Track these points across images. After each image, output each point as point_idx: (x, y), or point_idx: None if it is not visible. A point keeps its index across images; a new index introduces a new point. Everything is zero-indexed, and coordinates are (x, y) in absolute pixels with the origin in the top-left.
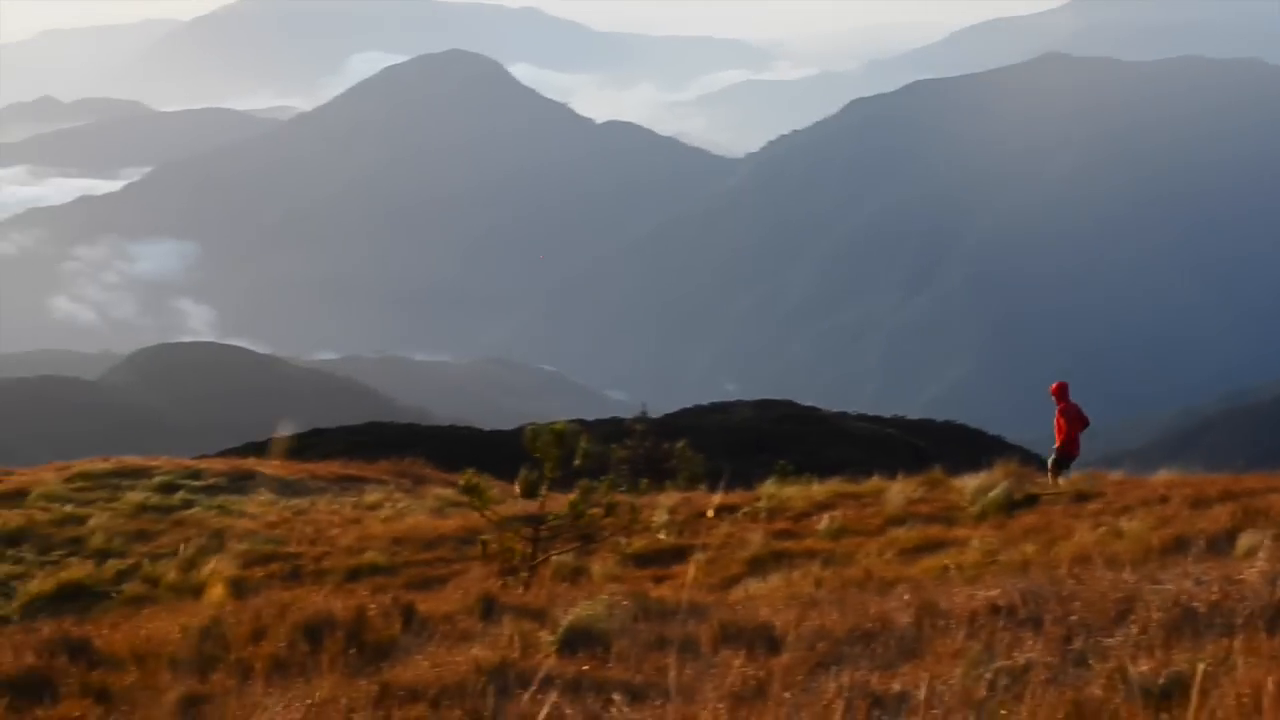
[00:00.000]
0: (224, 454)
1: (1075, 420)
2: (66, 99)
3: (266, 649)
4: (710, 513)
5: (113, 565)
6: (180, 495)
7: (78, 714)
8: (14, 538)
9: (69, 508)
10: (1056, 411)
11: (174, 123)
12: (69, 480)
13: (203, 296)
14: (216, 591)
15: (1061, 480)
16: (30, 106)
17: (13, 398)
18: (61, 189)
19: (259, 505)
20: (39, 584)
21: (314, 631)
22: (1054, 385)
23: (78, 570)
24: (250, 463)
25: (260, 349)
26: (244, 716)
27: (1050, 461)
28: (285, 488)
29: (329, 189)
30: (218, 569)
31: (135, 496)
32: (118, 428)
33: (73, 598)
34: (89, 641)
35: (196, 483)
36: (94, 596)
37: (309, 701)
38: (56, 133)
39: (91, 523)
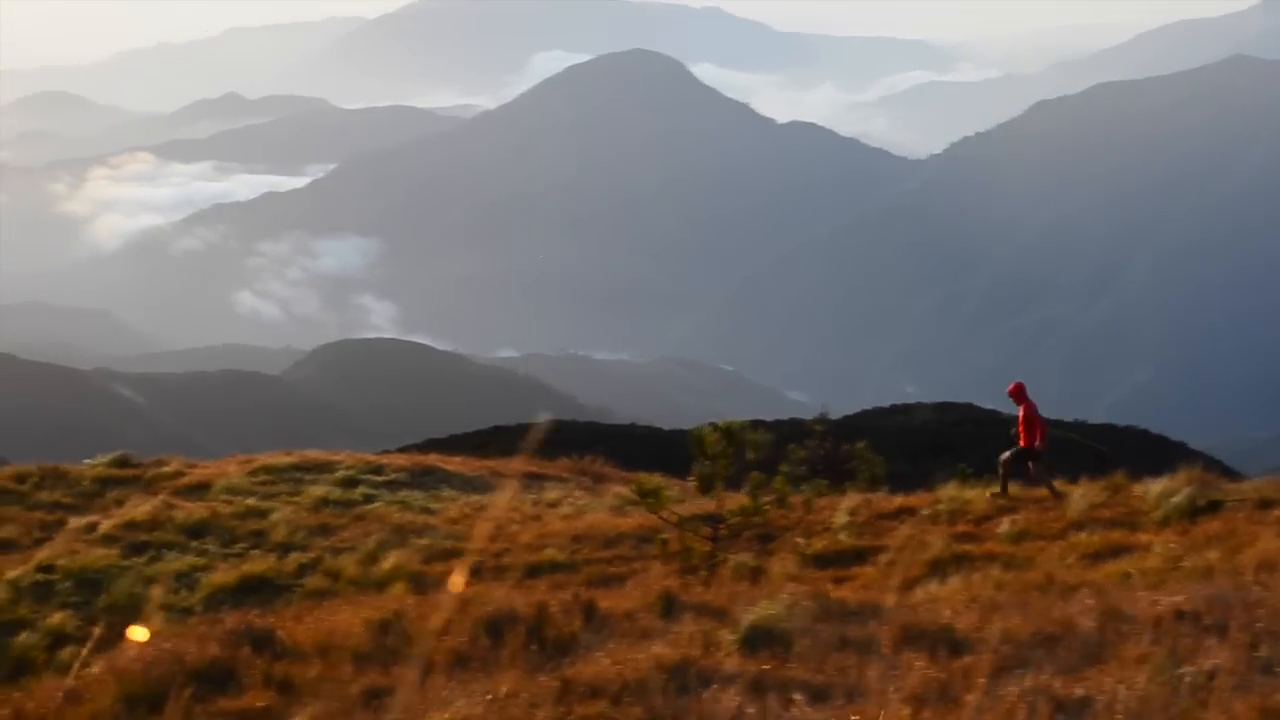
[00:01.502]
0: (405, 449)
1: (1037, 418)
2: (252, 96)
3: (449, 643)
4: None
5: (294, 559)
6: (362, 490)
7: (261, 705)
8: (197, 530)
9: (252, 501)
10: (1020, 412)
11: (358, 120)
12: (252, 474)
13: (385, 293)
14: (398, 586)
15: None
16: (217, 103)
17: (198, 392)
18: (247, 185)
19: (440, 501)
20: (221, 576)
21: (496, 627)
22: (1012, 386)
23: (260, 563)
24: (432, 459)
25: (442, 346)
26: (426, 710)
27: (1011, 459)
28: (466, 484)
29: (511, 187)
30: (399, 564)
31: (317, 491)
32: (300, 422)
33: (255, 590)
34: (273, 633)
35: (378, 478)
36: (275, 589)
37: (491, 696)
38: (242, 129)
39: (274, 516)
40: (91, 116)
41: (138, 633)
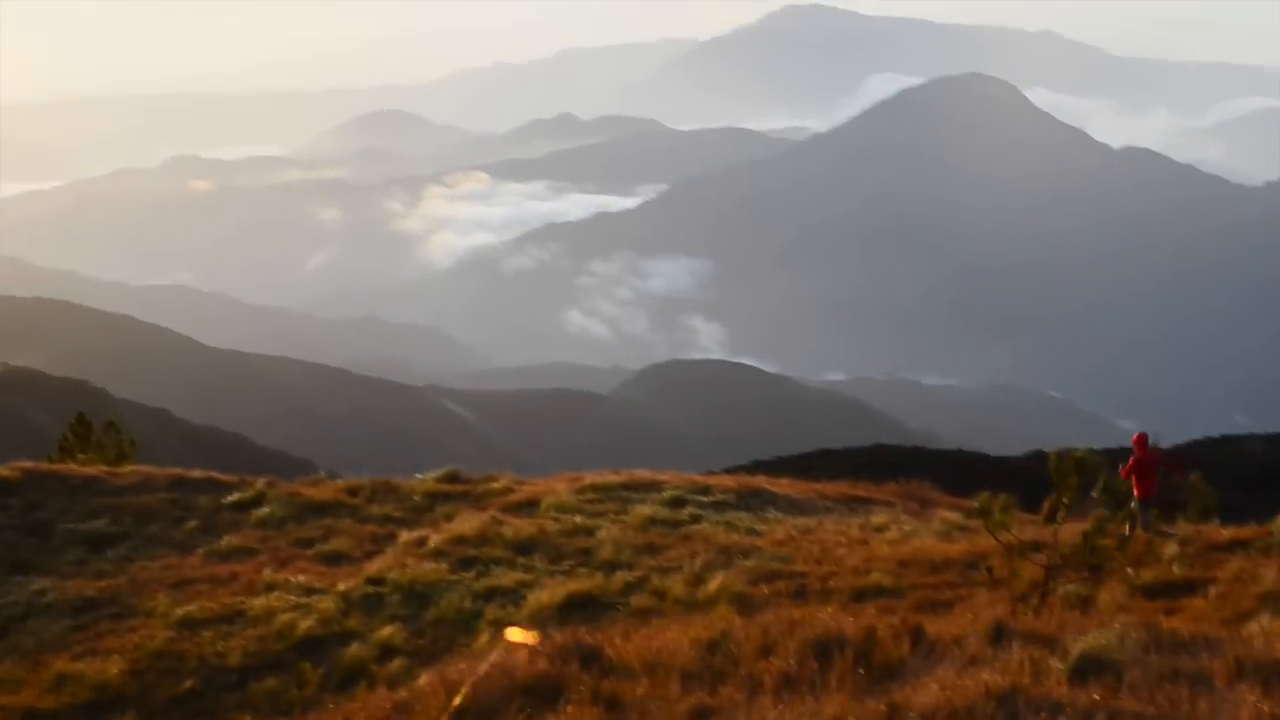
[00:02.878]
0: (731, 470)
1: (1153, 466)
2: (585, 116)
3: (775, 665)
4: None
5: (621, 577)
6: (688, 510)
7: None
8: (525, 546)
9: (579, 519)
10: (1131, 460)
11: (689, 141)
12: (580, 492)
13: (714, 314)
14: (723, 607)
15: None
16: (550, 123)
17: (527, 408)
18: (578, 205)
19: (766, 523)
20: (548, 593)
21: (823, 649)
22: (1137, 435)
23: (586, 581)
24: (758, 480)
25: (769, 368)
26: None
27: (1139, 510)
28: (792, 506)
29: (842, 209)
30: (724, 584)
31: (644, 510)
32: (626, 441)
33: (580, 607)
34: (601, 650)
35: (705, 498)
36: (602, 607)
37: (817, 719)
38: (575, 149)
39: (601, 534)
40: (428, 135)
41: (517, 634)
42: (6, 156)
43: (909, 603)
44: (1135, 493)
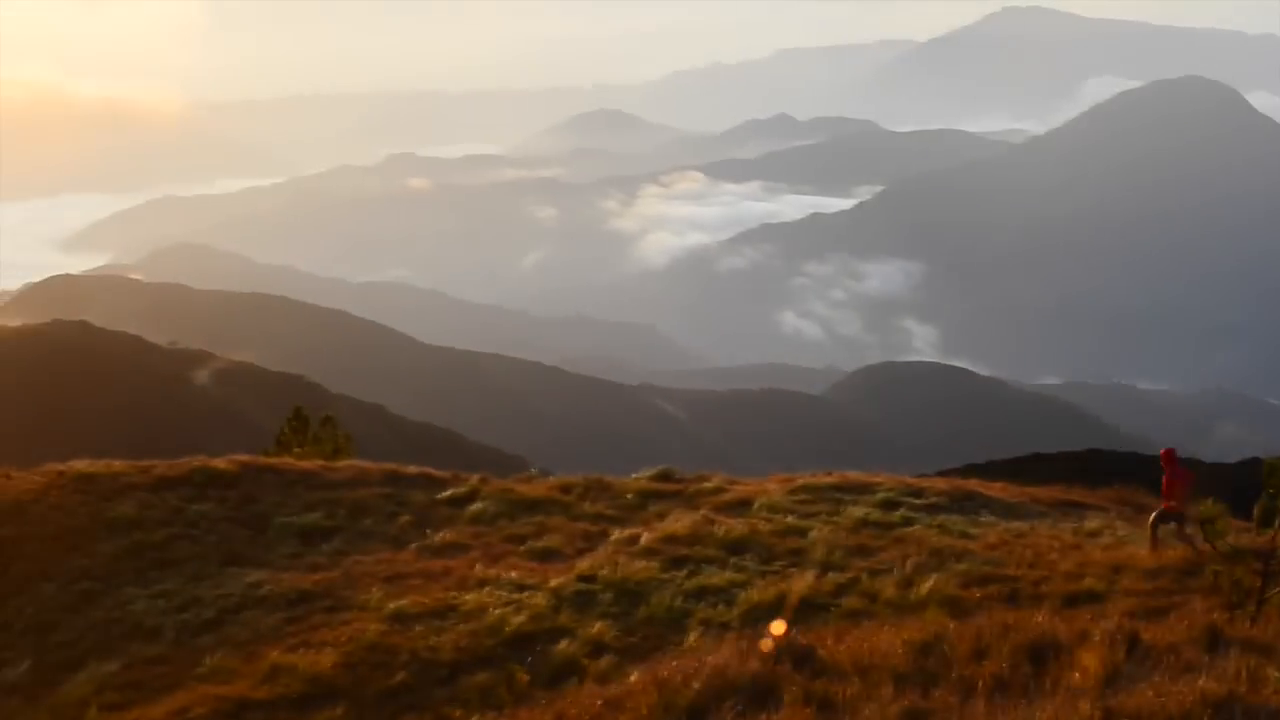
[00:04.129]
0: (943, 473)
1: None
2: (801, 117)
3: (989, 668)
4: None
5: (832, 578)
6: (901, 513)
7: None
8: (737, 546)
9: (791, 519)
10: (1166, 476)
11: (906, 143)
12: (792, 492)
13: (927, 316)
14: (935, 610)
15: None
16: (766, 124)
17: (740, 408)
18: (793, 205)
19: (979, 526)
20: (759, 593)
21: (1037, 653)
22: (1164, 451)
23: (798, 581)
24: (971, 483)
25: (982, 371)
26: None
27: (1157, 518)
28: (1006, 510)
29: (1059, 213)
30: (936, 587)
31: (856, 511)
32: (839, 443)
33: (792, 608)
34: (813, 651)
35: (917, 501)
36: (813, 608)
37: None
38: (791, 150)
39: (812, 535)
40: (643, 135)
41: (778, 626)
42: (228, 153)
43: (1121, 608)
44: (1169, 506)
